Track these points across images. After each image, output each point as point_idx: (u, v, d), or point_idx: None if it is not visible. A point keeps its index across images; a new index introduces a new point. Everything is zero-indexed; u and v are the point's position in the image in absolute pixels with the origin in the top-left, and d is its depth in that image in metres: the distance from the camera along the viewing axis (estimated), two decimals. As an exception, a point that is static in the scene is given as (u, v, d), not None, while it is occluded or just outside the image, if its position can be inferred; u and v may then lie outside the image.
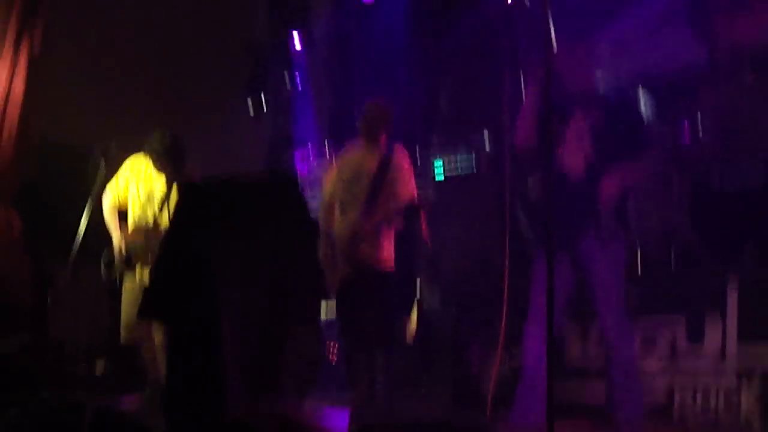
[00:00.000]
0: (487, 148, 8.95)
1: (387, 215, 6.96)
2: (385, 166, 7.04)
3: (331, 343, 8.39)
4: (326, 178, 7.42)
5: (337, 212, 7.15)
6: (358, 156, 7.21)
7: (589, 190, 5.62)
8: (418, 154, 8.84)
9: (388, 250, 7.04)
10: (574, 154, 5.72)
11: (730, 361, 6.37)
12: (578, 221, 5.63)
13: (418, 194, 7.09)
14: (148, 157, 7.44)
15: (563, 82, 5.63)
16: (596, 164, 5.66)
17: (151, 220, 7.42)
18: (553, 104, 5.10)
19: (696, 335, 6.57)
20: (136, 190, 7.53)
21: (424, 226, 7.11)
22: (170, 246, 5.30)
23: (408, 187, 7.07)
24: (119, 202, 7.59)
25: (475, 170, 8.64)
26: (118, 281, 7.58)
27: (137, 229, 7.49)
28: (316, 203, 7.37)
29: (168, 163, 7.35)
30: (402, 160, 7.14)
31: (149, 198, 7.47)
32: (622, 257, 5.85)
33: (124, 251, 7.45)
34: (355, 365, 7.13)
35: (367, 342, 6.99)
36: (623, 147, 5.66)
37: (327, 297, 6.51)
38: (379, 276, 6.99)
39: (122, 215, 7.70)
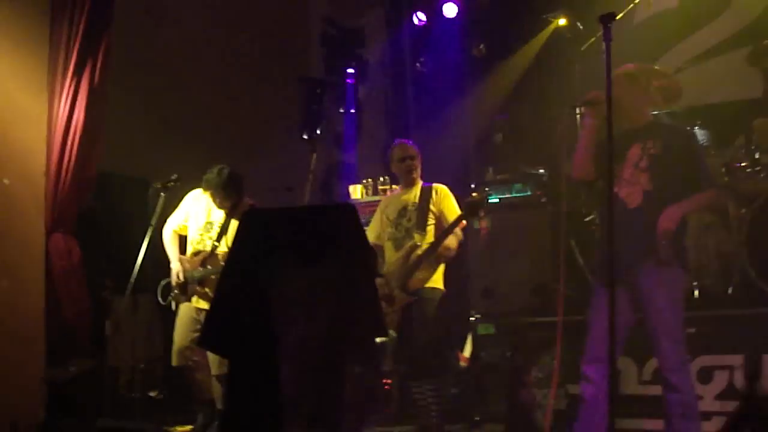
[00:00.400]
0: (544, 181, 8.95)
1: (438, 238, 7.23)
2: (426, 194, 7.42)
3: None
4: (369, 228, 7.71)
5: (388, 251, 7.46)
6: (398, 195, 7.66)
7: (646, 220, 5.62)
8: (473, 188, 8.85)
9: (440, 271, 7.34)
10: (631, 186, 5.74)
11: (787, 400, 6.29)
12: (637, 253, 5.62)
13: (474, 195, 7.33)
14: (206, 191, 7.64)
15: (620, 114, 5.57)
16: (654, 195, 5.67)
17: (208, 249, 7.61)
18: (611, 137, 5.25)
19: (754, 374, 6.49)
20: (195, 221, 7.74)
21: (483, 226, 7.57)
22: (230, 274, 5.34)
23: (454, 209, 7.36)
24: (179, 230, 7.79)
25: (530, 194, 8.65)
26: (173, 306, 7.76)
27: (194, 257, 7.68)
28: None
29: (225, 196, 7.61)
30: (441, 188, 7.50)
31: (207, 228, 7.69)
32: (681, 290, 5.81)
33: (181, 277, 7.62)
34: (414, 392, 7.29)
35: (426, 368, 7.17)
36: (681, 179, 5.70)
37: (385, 333, 6.58)
38: (437, 296, 7.27)
39: (183, 245, 7.87)
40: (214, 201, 7.70)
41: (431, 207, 7.37)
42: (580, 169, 5.99)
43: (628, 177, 5.76)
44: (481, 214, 7.39)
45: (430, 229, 7.35)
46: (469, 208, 7.23)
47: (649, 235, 5.61)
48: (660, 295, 5.65)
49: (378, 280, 7.20)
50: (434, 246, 7.23)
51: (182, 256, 7.81)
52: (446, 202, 7.41)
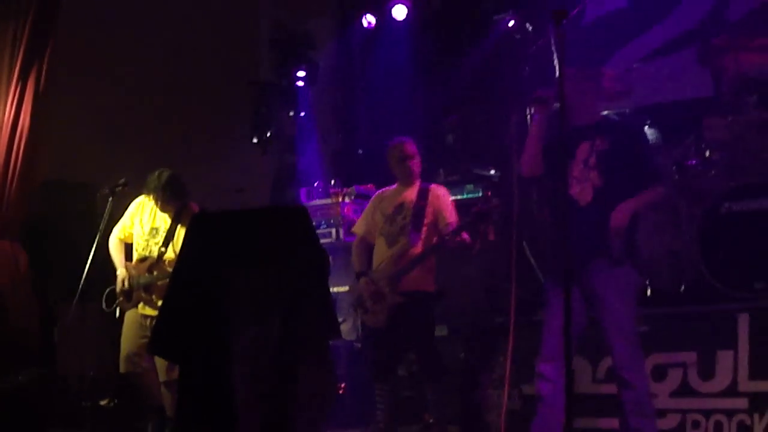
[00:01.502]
0: (495, 181, 8.95)
1: (433, 240, 7.19)
2: (424, 194, 7.35)
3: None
4: (359, 221, 7.74)
5: (382, 246, 7.35)
6: (396, 192, 7.51)
7: (597, 218, 5.64)
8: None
9: (432, 275, 7.29)
10: (581, 184, 5.76)
11: (742, 397, 6.32)
12: (588, 250, 5.62)
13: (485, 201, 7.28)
14: (147, 195, 7.59)
15: (570, 112, 5.53)
16: (604, 193, 5.69)
17: (155, 255, 7.54)
18: (560, 135, 5.27)
19: (708, 372, 6.52)
20: (140, 227, 7.68)
21: (492, 234, 7.27)
22: (179, 279, 5.26)
23: (449, 212, 7.30)
24: (124, 237, 7.72)
25: (482, 195, 8.63)
26: (118, 313, 7.68)
27: (141, 263, 7.60)
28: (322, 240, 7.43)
29: (166, 199, 7.56)
30: (439, 189, 7.48)
31: (153, 234, 7.63)
32: (633, 287, 5.83)
33: (126, 285, 7.55)
34: (378, 393, 7.32)
35: (425, 375, 7.22)
36: (630, 176, 5.73)
37: (338, 334, 6.53)
38: (429, 299, 7.26)
39: (129, 252, 7.79)
40: (156, 205, 7.62)
41: (428, 207, 7.30)
42: (528, 165, 6.02)
43: (577, 174, 5.77)
44: (490, 227, 7.22)
45: (425, 230, 7.27)
46: (477, 218, 7.07)
47: (600, 233, 5.62)
48: (612, 293, 5.66)
49: (365, 278, 7.27)
50: (431, 248, 7.19)
51: (128, 263, 7.71)
52: (443, 203, 7.35)
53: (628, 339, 5.68)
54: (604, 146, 5.76)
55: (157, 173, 7.59)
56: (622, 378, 5.67)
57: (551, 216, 6.19)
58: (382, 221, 7.41)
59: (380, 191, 7.71)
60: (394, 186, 7.59)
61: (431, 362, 7.17)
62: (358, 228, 7.64)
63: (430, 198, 7.32)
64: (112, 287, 7.75)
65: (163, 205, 7.60)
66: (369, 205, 7.72)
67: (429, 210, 7.28)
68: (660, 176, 6.10)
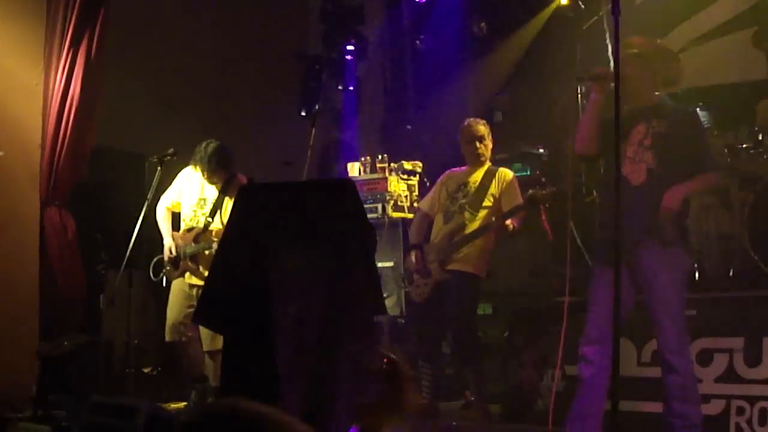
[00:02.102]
0: (544, 160, 8.91)
1: (491, 221, 7.21)
2: (489, 176, 7.38)
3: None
4: (425, 197, 7.82)
5: (440, 222, 7.43)
6: (463, 172, 7.57)
7: (649, 199, 5.56)
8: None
9: (483, 257, 7.30)
10: (634, 164, 5.67)
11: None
12: (638, 231, 5.52)
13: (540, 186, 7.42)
14: (195, 166, 7.61)
15: (628, 93, 5.57)
16: (657, 175, 5.61)
17: (201, 225, 7.58)
18: (616, 114, 5.07)
19: (754, 358, 6.45)
20: (189, 197, 7.71)
21: (545, 220, 7.20)
22: (227, 249, 5.27)
23: (514, 197, 7.28)
24: (172, 207, 7.76)
25: (530, 174, 8.59)
26: (165, 282, 7.73)
27: (187, 233, 7.64)
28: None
29: (213, 170, 7.59)
30: (507, 173, 7.44)
31: (200, 205, 7.66)
32: (683, 271, 5.75)
33: (173, 252, 7.59)
34: (423, 371, 7.33)
35: (460, 356, 7.30)
36: (685, 160, 5.64)
37: (384, 311, 6.54)
38: (474, 281, 7.26)
39: (177, 223, 7.84)
40: (203, 176, 7.65)
41: (492, 189, 7.33)
42: (583, 144, 5.88)
43: (631, 155, 5.68)
44: (543, 214, 7.15)
45: (483, 212, 7.29)
46: (531, 201, 7.09)
47: (651, 214, 5.54)
48: (662, 275, 5.57)
49: (417, 251, 7.37)
50: (481, 230, 7.21)
51: (175, 233, 7.77)
52: (508, 187, 7.35)
53: (676, 322, 5.60)
54: (660, 128, 5.67)
55: (204, 144, 7.64)
56: (667, 362, 5.60)
57: (602, 196, 6.10)
58: (446, 198, 7.47)
59: (450, 170, 7.73)
60: (465, 167, 7.62)
61: (467, 343, 7.20)
62: (423, 203, 7.73)
63: (495, 181, 7.34)
64: (160, 256, 7.81)
65: (210, 176, 7.63)
66: (437, 183, 7.75)
67: (491, 192, 7.31)
68: (715, 162, 6.04)
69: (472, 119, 7.63)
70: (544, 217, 7.12)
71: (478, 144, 7.45)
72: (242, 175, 7.74)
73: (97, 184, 9.02)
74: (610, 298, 4.93)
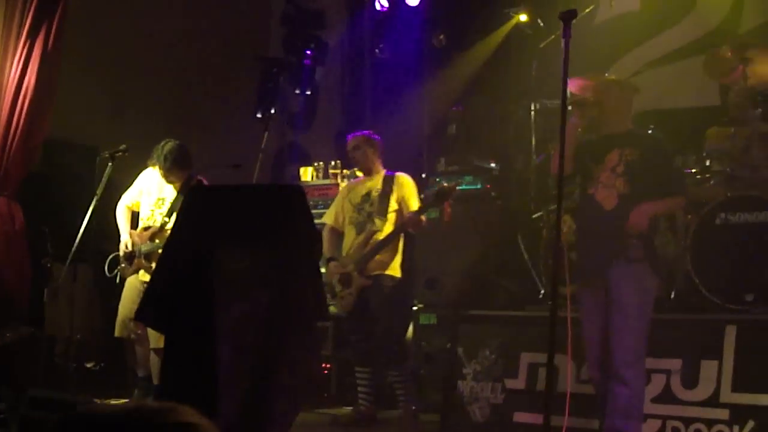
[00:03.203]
0: (495, 175, 8.97)
1: (398, 224, 7.48)
2: (389, 181, 7.62)
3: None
4: (328, 211, 7.96)
5: (351, 234, 7.63)
6: (362, 182, 7.85)
7: (620, 223, 5.79)
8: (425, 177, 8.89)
9: (398, 259, 7.55)
10: (607, 189, 5.92)
11: (722, 408, 6.33)
12: (609, 253, 5.82)
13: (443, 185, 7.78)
14: (153, 165, 7.65)
15: (604, 120, 6.04)
16: (628, 200, 5.85)
17: (158, 224, 7.62)
18: (593, 143, 5.93)
19: (691, 380, 6.53)
20: (148, 196, 7.77)
21: (447, 207, 7.68)
22: (173, 249, 5.28)
23: (413, 198, 7.59)
24: (132, 205, 7.93)
25: (480, 188, 8.67)
26: (119, 278, 7.74)
27: (144, 231, 7.68)
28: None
29: (171, 170, 7.61)
30: (404, 176, 7.71)
31: (158, 204, 7.72)
32: (650, 287, 5.94)
33: (129, 248, 7.61)
34: (358, 377, 7.67)
35: (386, 355, 7.45)
36: (655, 186, 5.91)
37: (327, 317, 6.63)
38: (394, 282, 7.49)
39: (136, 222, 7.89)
40: (161, 175, 7.69)
41: (394, 194, 7.56)
42: (558, 165, 6.05)
43: (604, 180, 5.93)
44: (447, 203, 7.60)
45: (391, 216, 7.52)
46: (437, 196, 7.53)
47: (621, 237, 5.78)
48: (627, 290, 5.79)
49: (335, 262, 7.55)
50: (395, 233, 7.46)
51: (132, 230, 7.83)
52: (408, 190, 7.61)
53: (636, 337, 5.81)
54: (632, 156, 5.90)
55: (162, 143, 7.68)
56: (621, 375, 5.75)
57: (578, 220, 6.30)
58: (351, 210, 7.69)
59: (349, 182, 8.19)
60: (360, 178, 7.97)
61: (391, 345, 7.45)
62: (328, 218, 7.87)
63: (394, 186, 7.59)
64: (116, 253, 7.84)
65: (167, 175, 7.67)
66: (338, 196, 8.04)
67: (394, 198, 7.57)
68: (683, 186, 6.41)
69: (355, 132, 8.04)
70: (448, 209, 7.66)
71: (351, 154, 7.86)
72: (202, 176, 7.77)
73: (47, 175, 8.97)
74: (600, 317, 5.75)
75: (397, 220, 7.51)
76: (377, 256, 7.40)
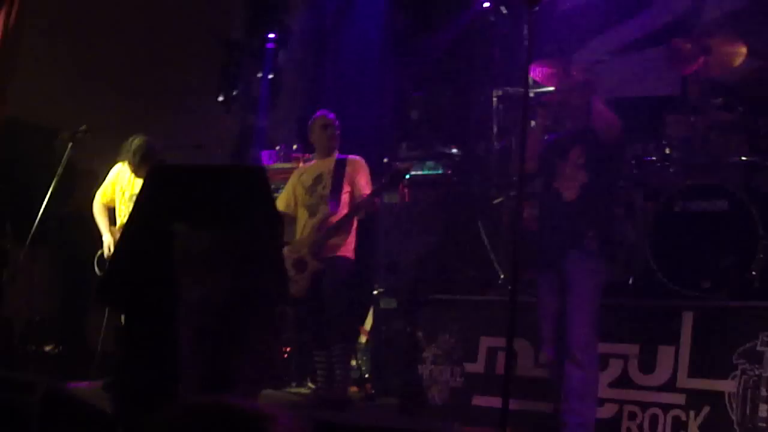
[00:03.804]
0: (456, 160, 8.99)
1: (351, 207, 7.45)
2: (341, 164, 7.60)
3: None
4: (279, 197, 7.76)
5: (302, 217, 7.60)
6: (314, 165, 7.83)
7: (579, 212, 6.07)
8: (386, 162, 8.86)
9: (351, 242, 7.54)
10: (569, 181, 6.13)
11: (679, 393, 6.40)
12: (566, 242, 6.06)
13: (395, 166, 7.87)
14: (125, 162, 7.67)
15: (568, 118, 6.33)
16: (588, 188, 6.10)
17: (135, 220, 7.63)
18: (555, 139, 6.22)
19: (648, 365, 6.60)
20: (121, 193, 7.77)
21: (402, 189, 7.96)
22: (130, 229, 5.27)
23: (365, 181, 7.59)
24: (106, 202, 7.95)
25: (441, 173, 8.69)
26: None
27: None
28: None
29: (139, 165, 7.65)
30: (356, 160, 7.68)
31: (132, 200, 7.69)
32: (600, 276, 6.15)
33: (112, 249, 7.61)
34: (316, 360, 7.50)
35: (332, 335, 7.37)
36: (612, 177, 6.39)
37: (287, 300, 6.66)
38: (348, 264, 7.48)
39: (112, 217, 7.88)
40: (132, 170, 7.72)
41: (345, 178, 7.53)
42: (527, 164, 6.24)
43: (568, 173, 6.15)
44: (402, 186, 7.80)
45: (344, 198, 7.50)
46: (391, 178, 7.57)
47: (580, 226, 6.03)
48: (582, 279, 6.02)
49: (289, 247, 7.40)
50: (349, 215, 7.42)
51: (112, 228, 7.86)
52: (360, 173, 7.58)
53: (588, 320, 6.01)
54: (592, 149, 6.12)
55: (130, 139, 7.74)
56: (575, 356, 5.92)
57: (540, 209, 6.52)
58: (303, 193, 7.65)
59: (299, 166, 8.17)
60: (312, 161, 7.94)
61: (338, 325, 7.40)
62: (279, 203, 7.65)
63: (347, 169, 7.58)
64: (101, 251, 7.81)
65: (136, 171, 7.74)
66: (289, 181, 7.92)
67: (346, 180, 7.55)
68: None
69: (323, 111, 7.92)
70: (403, 190, 7.94)
71: (331, 130, 7.73)
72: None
73: (5, 157, 8.88)
74: (553, 299, 6.02)
75: (351, 203, 7.50)
76: (334, 239, 7.39)
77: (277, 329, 6.93)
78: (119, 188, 7.88)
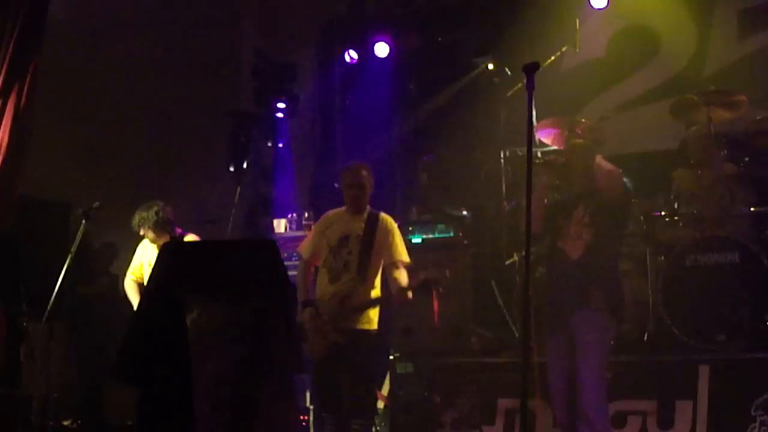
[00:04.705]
0: (467, 222, 9.02)
1: (384, 296, 6.92)
2: (372, 227, 6.94)
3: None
4: (305, 243, 7.25)
5: (324, 279, 6.99)
6: (343, 218, 7.08)
7: (585, 271, 6.08)
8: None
9: (375, 314, 6.94)
10: (575, 241, 6.17)
11: (698, 447, 6.40)
12: (574, 301, 6.05)
13: (426, 272, 6.94)
14: (140, 230, 7.76)
15: (572, 178, 6.32)
16: (594, 246, 6.11)
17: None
18: (562, 201, 6.28)
19: (667, 421, 6.59)
20: (149, 266, 7.93)
21: (436, 305, 6.97)
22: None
23: (397, 250, 6.95)
24: (137, 278, 8.09)
25: (453, 236, 8.68)
26: None
27: None
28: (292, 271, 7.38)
29: (155, 233, 7.74)
30: (388, 221, 7.05)
31: None
32: (607, 333, 6.11)
33: None
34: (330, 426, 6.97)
35: (356, 409, 6.80)
36: (616, 227, 6.32)
37: (302, 369, 6.55)
38: (369, 338, 6.88)
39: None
40: (148, 238, 7.83)
41: (375, 244, 6.91)
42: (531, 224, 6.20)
43: (572, 233, 6.18)
44: (436, 293, 6.88)
45: (371, 273, 6.91)
46: (425, 285, 6.79)
47: (586, 285, 6.03)
48: (588, 336, 5.98)
49: (309, 310, 6.85)
50: (374, 303, 6.90)
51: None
52: (391, 238, 6.96)
53: (599, 382, 5.97)
54: (596, 208, 6.14)
55: (143, 207, 7.85)
56: (587, 416, 5.88)
57: (548, 269, 6.47)
58: (327, 252, 7.00)
59: (327, 213, 7.31)
60: (343, 209, 7.17)
61: (358, 396, 6.81)
62: (304, 250, 7.16)
63: (377, 232, 6.95)
64: None
65: (154, 240, 7.83)
66: (315, 228, 7.33)
67: (376, 247, 6.92)
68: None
69: (356, 162, 7.26)
70: (435, 304, 6.95)
71: (357, 191, 7.00)
72: (192, 233, 7.87)
73: (20, 234, 8.94)
74: (563, 360, 6.00)
75: (374, 276, 6.92)
76: (356, 314, 6.80)
77: (294, 398, 6.84)
78: (147, 261, 7.99)
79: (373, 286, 6.91)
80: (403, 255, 6.94)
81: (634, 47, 9.75)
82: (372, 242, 6.88)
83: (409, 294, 6.72)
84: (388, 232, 6.95)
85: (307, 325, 6.83)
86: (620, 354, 7.06)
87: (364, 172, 7.05)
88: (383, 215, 7.05)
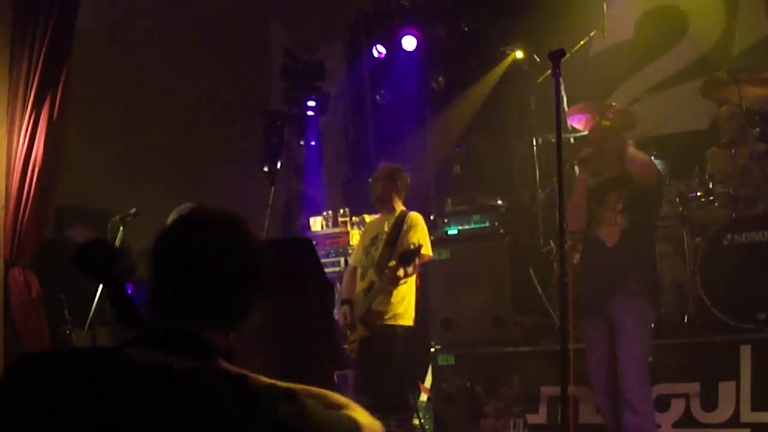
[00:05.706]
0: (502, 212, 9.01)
1: (399, 271, 6.93)
2: (398, 225, 7.20)
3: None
4: (355, 248, 7.66)
5: (357, 278, 7.35)
6: (378, 220, 7.53)
7: (622, 257, 6.10)
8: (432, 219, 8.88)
9: (405, 306, 7.11)
10: (610, 227, 6.19)
11: (743, 428, 6.36)
12: (612, 287, 6.06)
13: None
14: None
15: (603, 165, 6.30)
16: (629, 233, 6.13)
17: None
18: (594, 187, 6.22)
19: (710, 403, 6.56)
20: None
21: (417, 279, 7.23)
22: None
23: (410, 238, 7.06)
24: None
25: (488, 225, 8.67)
26: None
27: None
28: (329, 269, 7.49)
29: None
30: (412, 217, 7.25)
31: None
32: (647, 317, 6.13)
33: None
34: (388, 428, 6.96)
35: (384, 406, 6.75)
36: (650, 212, 6.39)
37: (343, 365, 6.58)
38: (394, 331, 7.05)
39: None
40: None
41: (398, 242, 7.12)
42: (574, 221, 6.33)
43: (607, 218, 6.21)
44: (414, 264, 6.96)
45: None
46: (403, 258, 6.89)
47: (623, 271, 6.06)
48: (628, 321, 5.99)
49: (346, 308, 7.20)
50: (377, 290, 7.04)
51: None
52: (411, 232, 7.13)
53: (639, 364, 5.98)
54: (629, 193, 6.16)
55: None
56: (629, 401, 5.89)
57: (585, 255, 6.48)
58: (362, 251, 7.44)
59: (372, 219, 7.75)
60: (380, 215, 7.57)
61: (388, 396, 6.94)
62: (352, 256, 7.67)
63: (402, 230, 7.18)
64: None
65: None
66: (361, 233, 7.75)
67: (400, 241, 7.12)
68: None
69: (377, 169, 7.55)
70: (412, 271, 7.02)
71: (386, 185, 7.33)
72: None
73: (59, 242, 9.04)
74: (603, 345, 5.98)
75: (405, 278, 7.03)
76: (377, 307, 7.04)
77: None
78: None
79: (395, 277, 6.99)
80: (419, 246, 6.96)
81: (662, 28, 9.71)
82: (396, 239, 7.15)
83: (399, 272, 6.86)
84: (409, 228, 7.19)
85: (341, 321, 7.16)
86: (661, 337, 7.05)
87: (387, 169, 7.46)
88: (411, 213, 7.31)
